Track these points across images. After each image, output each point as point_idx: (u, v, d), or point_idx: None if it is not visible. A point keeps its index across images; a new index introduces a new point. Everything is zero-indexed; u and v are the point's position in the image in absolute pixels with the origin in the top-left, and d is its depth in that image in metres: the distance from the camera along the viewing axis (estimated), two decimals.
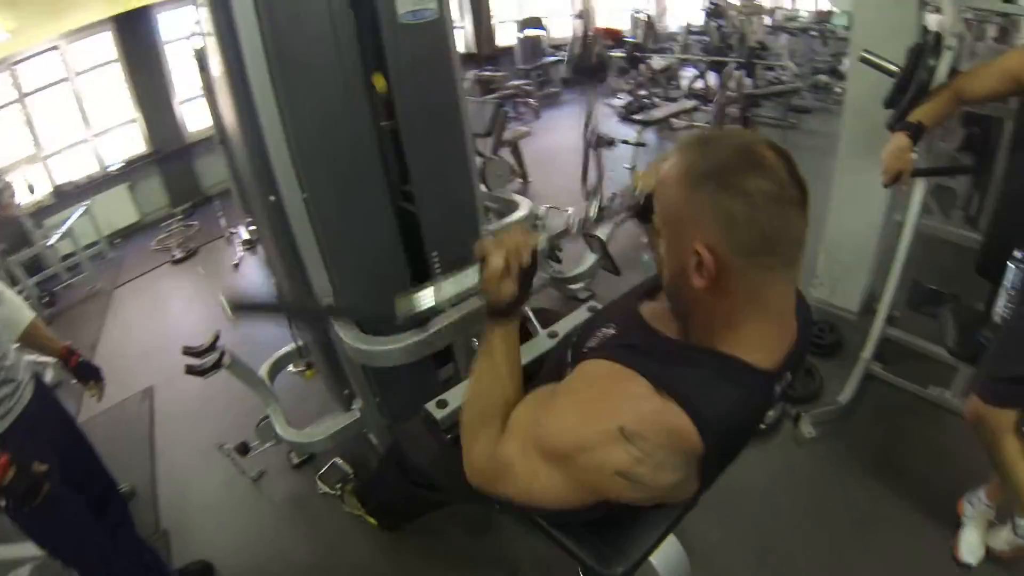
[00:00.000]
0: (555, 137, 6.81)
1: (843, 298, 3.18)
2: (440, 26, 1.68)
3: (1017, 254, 1.98)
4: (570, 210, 3.67)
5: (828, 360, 2.89)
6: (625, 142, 5.41)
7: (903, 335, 2.77)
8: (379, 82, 1.63)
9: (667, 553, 1.48)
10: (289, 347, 2.63)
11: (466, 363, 2.13)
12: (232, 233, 4.92)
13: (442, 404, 1.52)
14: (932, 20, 2.25)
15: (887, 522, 2.13)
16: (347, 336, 1.73)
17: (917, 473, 2.29)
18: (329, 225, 1.70)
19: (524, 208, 2.38)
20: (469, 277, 1.13)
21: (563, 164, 5.71)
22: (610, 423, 0.84)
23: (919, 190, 2.30)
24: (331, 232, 1.72)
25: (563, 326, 1.75)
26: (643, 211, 1.20)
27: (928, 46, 1.95)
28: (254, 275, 4.40)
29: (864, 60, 2.25)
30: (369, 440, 2.37)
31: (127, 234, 5.65)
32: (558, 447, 0.90)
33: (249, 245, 4.65)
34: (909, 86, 1.98)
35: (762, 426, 2.46)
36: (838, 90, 7.46)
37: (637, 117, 5.64)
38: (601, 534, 1.35)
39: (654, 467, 0.83)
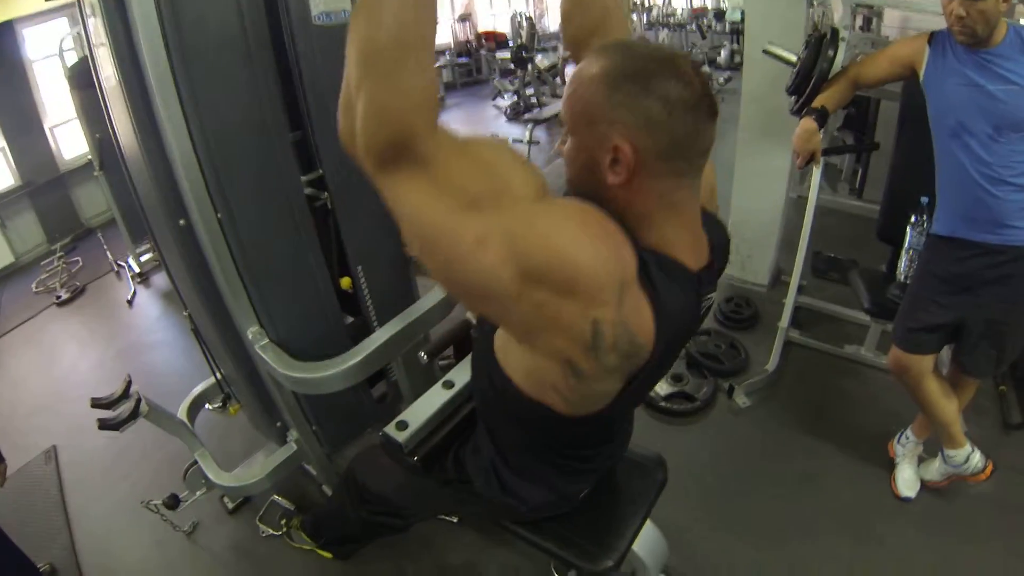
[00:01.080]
0: None
1: (753, 274, 3.36)
2: None
3: (913, 219, 2.16)
4: None
5: (750, 333, 3.04)
6: (518, 141, 5.47)
7: (814, 302, 2.97)
8: None
9: (647, 538, 1.49)
10: (207, 382, 2.44)
11: (406, 380, 2.06)
12: (121, 266, 4.54)
13: (402, 426, 1.37)
14: (818, 14, 2.42)
15: (828, 472, 2.27)
16: (279, 364, 1.60)
17: (847, 425, 2.47)
18: (249, 246, 1.57)
19: None
20: None
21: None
22: (615, 270, 0.76)
23: (818, 169, 2.44)
24: (252, 254, 1.58)
25: (458, 376, 1.46)
26: None
27: (826, 38, 2.09)
28: (151, 310, 4.09)
29: (767, 52, 2.40)
30: (307, 471, 2.24)
31: (2, 278, 5.09)
32: (546, 264, 0.72)
33: (142, 278, 4.32)
34: (811, 74, 2.11)
35: (696, 401, 2.55)
36: (720, 80, 7.89)
37: (527, 116, 5.68)
38: (581, 532, 1.34)
39: (615, 341, 0.78)
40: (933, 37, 1.80)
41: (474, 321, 1.85)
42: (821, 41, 2.10)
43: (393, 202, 0.75)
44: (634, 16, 7.91)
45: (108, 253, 4.80)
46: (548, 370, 0.87)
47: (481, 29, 10.75)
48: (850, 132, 3.80)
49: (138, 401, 1.81)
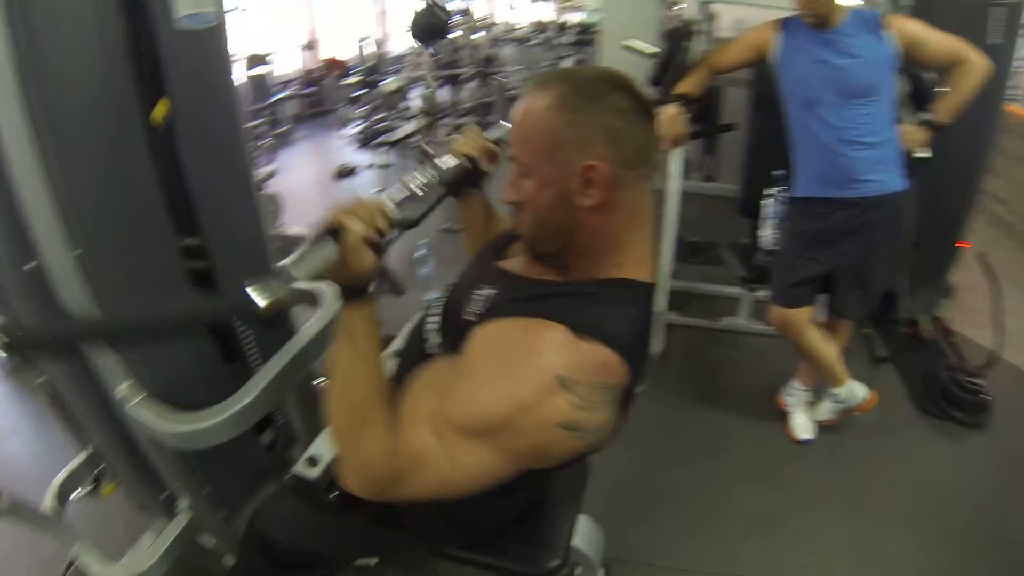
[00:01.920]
0: (298, 175, 6.46)
1: None
2: (219, 33, 1.48)
3: (770, 191, 2.36)
4: None
5: None
6: (371, 166, 5.40)
7: (686, 284, 3.15)
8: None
9: (584, 531, 1.47)
10: (72, 464, 2.07)
11: (298, 417, 1.91)
12: None
13: (313, 462, 1.27)
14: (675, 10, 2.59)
15: (730, 436, 2.43)
16: (159, 421, 1.36)
17: (737, 389, 2.66)
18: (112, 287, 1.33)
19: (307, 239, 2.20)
20: (322, 249, 0.87)
21: (313, 200, 5.53)
22: (545, 375, 0.79)
23: (679, 157, 2.59)
24: (117, 293, 1.35)
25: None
26: (467, 178, 1.19)
27: (681, 31, 2.26)
28: None
29: (627, 48, 2.52)
30: (199, 545, 1.98)
31: None
32: (489, 419, 0.81)
33: None
34: (671, 65, 2.26)
35: None
36: None
37: (378, 140, 5.66)
38: (518, 539, 1.30)
39: (592, 409, 0.82)
40: (782, 23, 2.00)
41: None
42: (677, 33, 2.25)
43: (411, 501, 0.91)
44: (476, 35, 8.06)
45: None
46: (567, 455, 0.90)
47: (326, 57, 10.55)
48: (699, 123, 4.08)
49: None
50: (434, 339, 1.03)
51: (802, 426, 2.37)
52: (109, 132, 1.30)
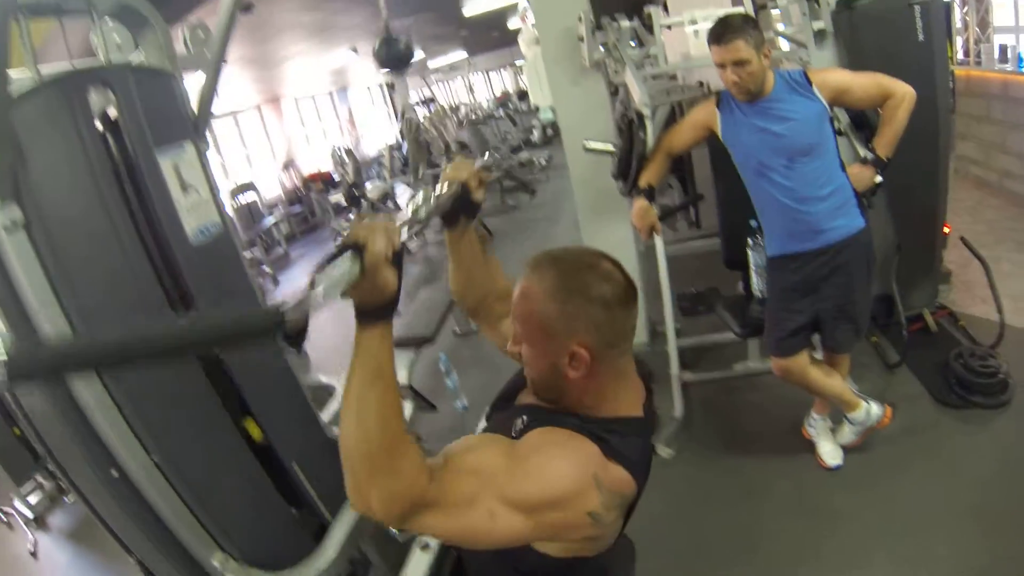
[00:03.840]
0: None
1: None
2: (227, 237, 1.69)
3: (750, 241, 2.53)
4: None
5: None
6: None
7: (693, 341, 3.29)
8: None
9: None
10: None
11: (375, 552, 2.01)
12: (9, 513, 4.00)
13: None
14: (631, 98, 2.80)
15: (764, 476, 2.51)
16: None
17: (762, 431, 2.76)
18: (197, 486, 1.54)
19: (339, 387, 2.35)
20: (346, 265, 0.87)
21: (323, 326, 5.62)
22: (587, 472, 0.96)
23: (659, 236, 2.75)
24: (196, 485, 1.54)
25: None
26: (462, 206, 1.23)
27: (634, 123, 2.44)
28: (60, 556, 3.61)
29: (588, 150, 2.74)
30: None
31: None
32: (539, 497, 0.95)
33: (38, 523, 3.76)
34: (631, 158, 2.46)
35: None
36: (543, 161, 8.53)
37: None
38: None
39: (610, 509, 0.98)
40: (719, 99, 2.19)
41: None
42: (631, 126, 2.44)
43: (420, 531, 0.99)
44: (450, 122, 8.40)
45: None
46: (570, 544, 1.03)
47: (306, 173, 10.96)
48: (674, 177, 4.29)
49: None
50: None
51: (830, 453, 2.46)
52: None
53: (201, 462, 1.56)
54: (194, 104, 1.82)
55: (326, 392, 2.39)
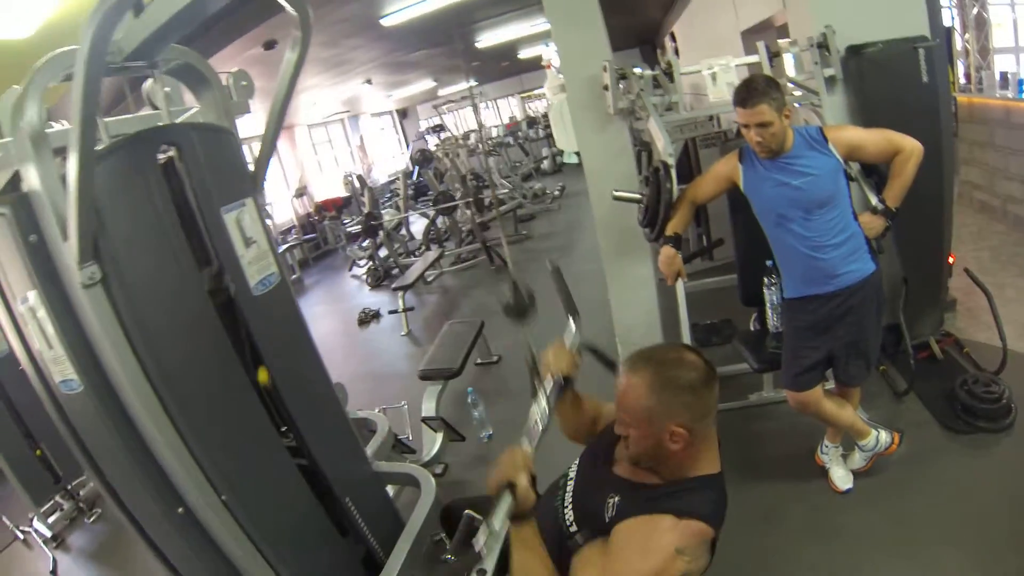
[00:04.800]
0: (323, 327, 6.61)
1: None
2: (284, 286, 1.81)
3: (766, 280, 2.64)
4: (404, 404, 3.74)
5: None
6: (393, 312, 5.67)
7: None
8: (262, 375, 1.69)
9: None
10: None
11: None
12: (27, 532, 4.06)
13: None
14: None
15: (779, 502, 2.60)
16: None
17: (776, 457, 2.85)
18: (261, 520, 1.64)
19: (383, 427, 2.48)
20: (506, 501, 1.27)
21: (344, 350, 5.80)
22: (668, 550, 1.19)
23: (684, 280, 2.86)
24: (262, 523, 1.64)
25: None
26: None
27: (660, 172, 2.56)
28: None
29: (616, 198, 2.85)
30: None
31: None
32: None
33: (57, 542, 3.82)
34: (659, 207, 2.57)
35: None
36: (556, 192, 8.64)
37: (395, 286, 5.86)
38: None
39: (697, 560, 1.23)
40: (741, 154, 2.32)
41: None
42: (657, 175, 2.57)
43: None
44: (463, 152, 8.52)
45: (3, 519, 4.30)
46: None
47: (318, 199, 11.12)
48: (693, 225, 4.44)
49: None
50: (570, 527, 1.39)
51: (841, 478, 2.56)
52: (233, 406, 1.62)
53: (264, 497, 1.67)
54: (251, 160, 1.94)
55: (364, 426, 2.49)
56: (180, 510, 1.59)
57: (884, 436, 2.50)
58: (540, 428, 1.48)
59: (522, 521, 1.30)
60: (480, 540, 1.21)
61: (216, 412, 1.58)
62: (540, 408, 1.50)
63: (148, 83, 1.84)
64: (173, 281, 1.56)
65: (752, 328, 3.07)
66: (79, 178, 1.27)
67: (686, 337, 3.05)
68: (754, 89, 2.10)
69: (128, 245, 1.47)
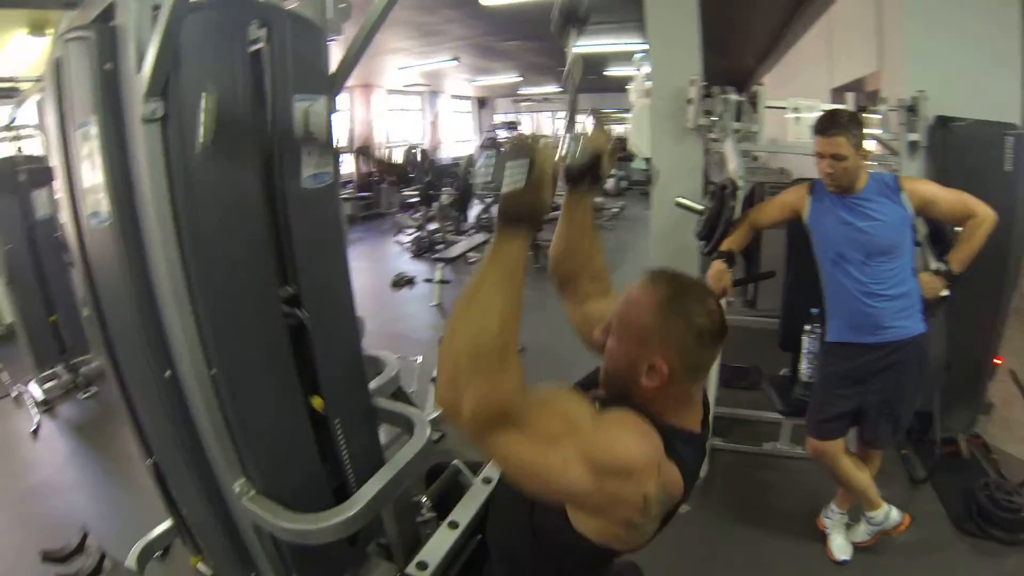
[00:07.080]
0: (356, 281, 6.60)
1: None
2: (333, 190, 1.78)
3: (807, 327, 2.56)
4: (419, 358, 3.71)
5: None
6: (428, 280, 5.65)
7: (729, 410, 3.32)
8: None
9: None
10: (158, 529, 2.23)
11: (394, 523, 2.01)
12: (20, 392, 4.16)
13: (422, 566, 1.43)
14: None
15: (771, 556, 2.52)
16: (272, 516, 1.59)
17: (778, 511, 2.77)
18: (241, 402, 1.57)
19: (393, 365, 2.42)
20: (521, 168, 0.95)
21: (372, 310, 5.76)
22: (654, 457, 1.01)
23: (730, 296, 2.80)
24: (243, 409, 1.58)
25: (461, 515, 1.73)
26: (586, 171, 1.28)
27: (727, 190, 2.51)
28: (60, 444, 3.71)
29: (679, 205, 2.82)
30: None
31: None
32: (610, 464, 0.97)
33: (47, 407, 3.93)
34: (718, 222, 2.52)
35: None
36: (615, 209, 8.52)
37: (436, 256, 5.89)
38: None
39: (658, 504, 1.02)
40: (812, 186, 2.26)
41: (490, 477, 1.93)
42: (723, 192, 2.51)
43: (493, 453, 0.98)
44: None
45: (3, 375, 4.35)
46: (612, 526, 1.06)
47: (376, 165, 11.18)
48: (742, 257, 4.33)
49: (102, 556, 1.71)
50: None
51: (840, 547, 2.47)
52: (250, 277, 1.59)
53: (254, 385, 1.61)
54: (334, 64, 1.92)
55: (372, 363, 2.44)
56: (167, 374, 1.56)
57: (895, 514, 2.40)
58: (568, 157, 1.20)
59: (517, 229, 0.98)
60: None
61: (232, 283, 1.53)
62: (575, 145, 1.23)
63: None
64: (229, 146, 1.52)
65: (781, 374, 2.98)
66: (171, 8, 1.27)
67: (714, 374, 2.97)
68: (836, 121, 2.08)
69: (196, 95, 1.42)
